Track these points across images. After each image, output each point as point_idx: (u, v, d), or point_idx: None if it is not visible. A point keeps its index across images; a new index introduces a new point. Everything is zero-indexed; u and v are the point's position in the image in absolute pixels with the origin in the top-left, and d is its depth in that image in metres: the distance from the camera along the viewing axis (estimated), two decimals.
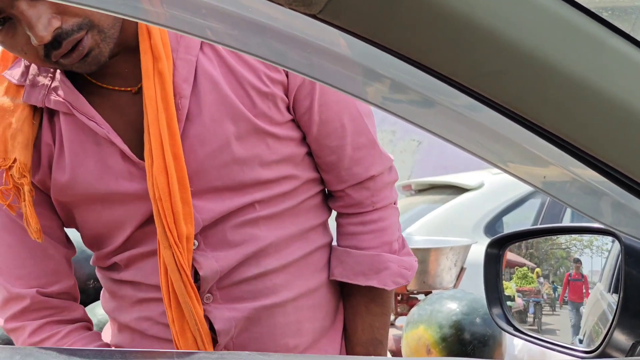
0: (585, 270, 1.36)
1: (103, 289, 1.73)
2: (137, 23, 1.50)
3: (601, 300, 1.24)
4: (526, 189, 5.67)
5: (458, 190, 6.07)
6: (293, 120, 1.58)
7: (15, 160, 1.53)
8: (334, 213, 1.75)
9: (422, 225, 5.63)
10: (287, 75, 1.54)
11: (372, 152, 1.64)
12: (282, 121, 1.56)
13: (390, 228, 1.69)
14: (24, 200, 1.55)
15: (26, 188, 1.54)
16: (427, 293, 3.32)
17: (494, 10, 0.68)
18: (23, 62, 1.57)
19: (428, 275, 3.29)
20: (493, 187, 5.90)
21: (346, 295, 1.75)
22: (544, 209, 5.84)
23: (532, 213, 5.90)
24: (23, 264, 1.63)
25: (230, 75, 1.53)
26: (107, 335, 1.75)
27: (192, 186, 1.54)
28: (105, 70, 1.53)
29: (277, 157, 1.57)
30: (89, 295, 2.77)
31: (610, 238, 1.24)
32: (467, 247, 3.41)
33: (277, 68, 1.52)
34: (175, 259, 1.53)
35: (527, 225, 5.81)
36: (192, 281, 1.54)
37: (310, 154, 1.63)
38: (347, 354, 1.75)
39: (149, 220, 1.56)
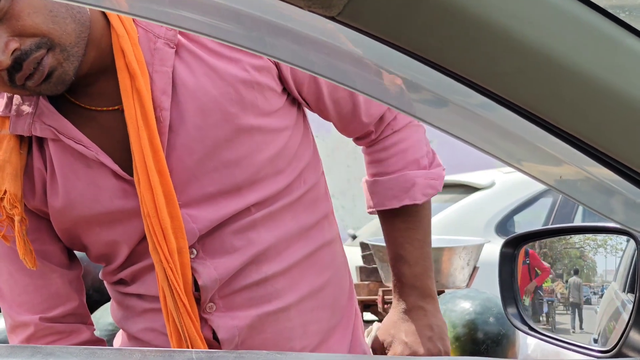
0: (599, 270, 1.36)
1: (112, 299, 1.73)
2: (111, 41, 1.50)
3: (616, 300, 1.24)
4: (538, 187, 5.66)
5: (469, 189, 6.06)
6: (284, 107, 1.58)
7: (5, 191, 1.54)
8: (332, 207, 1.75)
9: (434, 225, 5.56)
10: None
11: None
12: (271, 111, 1.56)
13: (413, 146, 1.71)
14: (15, 232, 1.56)
15: (17, 218, 1.55)
16: (440, 292, 3.32)
17: (511, 11, 0.68)
18: (6, 94, 1.56)
19: (441, 275, 3.29)
20: (504, 186, 5.88)
21: (383, 224, 1.76)
22: (556, 208, 5.82)
23: (544, 212, 5.89)
24: (25, 290, 1.64)
25: (212, 74, 1.52)
26: (117, 343, 1.76)
27: (186, 196, 1.54)
28: (88, 91, 1.54)
29: (268, 154, 1.57)
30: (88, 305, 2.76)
31: (624, 237, 1.24)
32: (479, 247, 3.41)
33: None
34: (166, 275, 1.53)
35: (538, 224, 5.80)
36: (185, 299, 1.54)
37: (303, 143, 1.63)
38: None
39: None
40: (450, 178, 6.46)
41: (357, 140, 1.73)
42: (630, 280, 1.19)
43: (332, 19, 0.67)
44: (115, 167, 1.54)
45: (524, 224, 5.84)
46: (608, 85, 0.71)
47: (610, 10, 0.70)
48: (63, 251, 1.66)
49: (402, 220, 1.73)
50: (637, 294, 1.05)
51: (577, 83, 0.71)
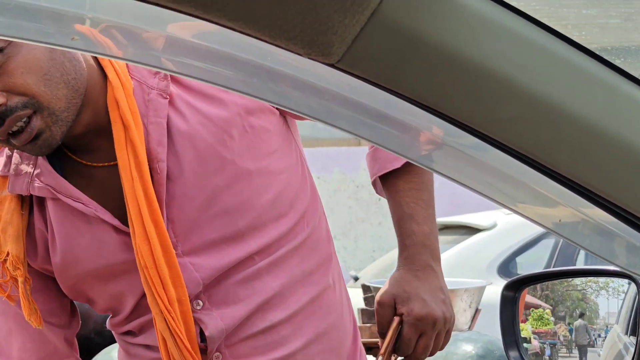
0: (602, 312, 1.35)
1: (119, 347, 1.74)
2: (106, 98, 1.52)
3: (618, 342, 1.24)
4: (540, 229, 5.64)
5: (471, 230, 6.05)
6: (282, 148, 1.59)
7: (8, 253, 1.56)
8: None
9: None
10: None
11: None
12: (268, 152, 1.57)
13: None
14: (19, 292, 1.57)
15: (20, 279, 1.56)
16: None
17: (509, 59, 0.69)
18: (5, 152, 1.58)
19: None
20: (506, 227, 5.87)
21: (387, 192, 1.72)
22: (558, 249, 5.81)
23: (546, 253, 5.87)
24: (24, 347, 1.66)
25: (206, 121, 1.54)
26: None
27: (189, 244, 1.55)
28: (86, 148, 1.56)
29: (267, 197, 1.57)
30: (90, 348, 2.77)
31: (626, 280, 1.24)
32: (481, 289, 3.40)
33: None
34: (168, 325, 1.53)
35: (541, 265, 5.79)
36: (188, 346, 1.54)
37: (302, 183, 1.63)
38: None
39: None
40: (451, 219, 6.45)
41: None
42: (632, 323, 1.19)
43: (332, 66, 0.68)
44: (115, 222, 1.55)
45: (526, 265, 5.82)
46: (606, 130, 0.72)
47: (605, 57, 0.71)
48: (64, 309, 1.68)
49: (406, 181, 1.69)
50: (639, 337, 1.05)
51: (576, 129, 0.71)
